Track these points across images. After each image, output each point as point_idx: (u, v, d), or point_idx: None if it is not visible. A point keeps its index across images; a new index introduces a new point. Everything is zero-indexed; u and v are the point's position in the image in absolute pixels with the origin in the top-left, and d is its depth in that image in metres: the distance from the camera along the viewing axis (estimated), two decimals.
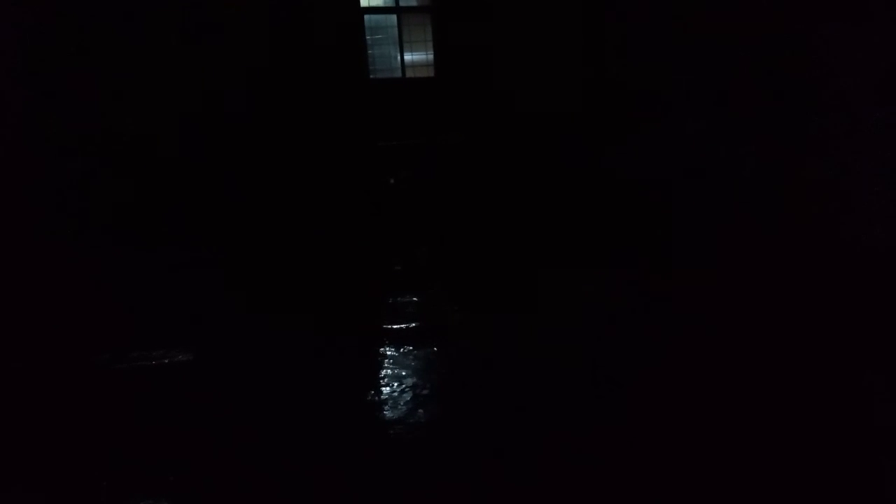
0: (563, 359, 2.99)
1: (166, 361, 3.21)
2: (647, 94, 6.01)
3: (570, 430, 2.36)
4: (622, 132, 6.75)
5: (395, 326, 3.52)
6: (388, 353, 3.19)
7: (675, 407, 2.49)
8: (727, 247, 4.54)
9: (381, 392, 2.79)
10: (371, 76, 7.58)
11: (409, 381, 2.87)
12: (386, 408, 2.64)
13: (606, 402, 2.56)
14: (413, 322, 3.56)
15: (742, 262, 4.26)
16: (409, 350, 3.20)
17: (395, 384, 2.85)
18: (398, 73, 7.80)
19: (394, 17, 7.74)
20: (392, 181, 6.67)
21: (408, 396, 2.73)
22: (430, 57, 7.83)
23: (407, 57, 7.84)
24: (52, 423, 2.64)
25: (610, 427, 2.37)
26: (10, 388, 2.97)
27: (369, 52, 7.61)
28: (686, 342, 3.07)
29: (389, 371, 2.98)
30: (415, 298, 3.93)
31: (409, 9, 7.91)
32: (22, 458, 2.37)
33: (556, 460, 2.17)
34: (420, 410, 2.61)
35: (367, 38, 7.57)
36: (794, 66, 3.90)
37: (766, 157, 4.16)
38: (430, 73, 7.79)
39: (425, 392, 2.75)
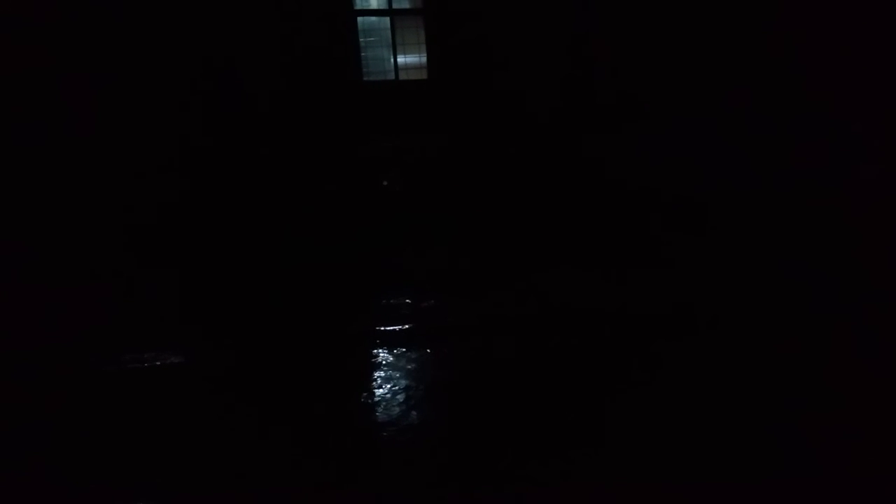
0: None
1: (158, 364, 3.21)
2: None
3: None
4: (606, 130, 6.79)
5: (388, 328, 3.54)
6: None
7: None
8: None
9: (375, 393, 2.81)
10: (364, 78, 7.60)
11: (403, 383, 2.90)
12: (379, 410, 2.67)
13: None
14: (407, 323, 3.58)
15: None
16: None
17: (389, 385, 2.88)
18: (391, 76, 7.83)
19: (387, 20, 7.77)
20: (385, 183, 6.69)
21: (401, 397, 2.76)
22: (423, 59, 7.85)
23: (400, 59, 7.88)
24: None
25: None
26: None
27: (363, 54, 7.64)
28: None
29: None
30: (408, 300, 3.95)
31: (402, 11, 7.94)
32: None
33: None
34: (414, 412, 2.63)
35: (361, 40, 7.59)
36: None
37: None
38: (423, 75, 7.81)
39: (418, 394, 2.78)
